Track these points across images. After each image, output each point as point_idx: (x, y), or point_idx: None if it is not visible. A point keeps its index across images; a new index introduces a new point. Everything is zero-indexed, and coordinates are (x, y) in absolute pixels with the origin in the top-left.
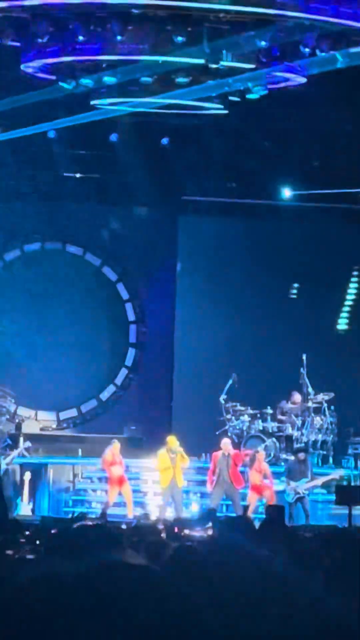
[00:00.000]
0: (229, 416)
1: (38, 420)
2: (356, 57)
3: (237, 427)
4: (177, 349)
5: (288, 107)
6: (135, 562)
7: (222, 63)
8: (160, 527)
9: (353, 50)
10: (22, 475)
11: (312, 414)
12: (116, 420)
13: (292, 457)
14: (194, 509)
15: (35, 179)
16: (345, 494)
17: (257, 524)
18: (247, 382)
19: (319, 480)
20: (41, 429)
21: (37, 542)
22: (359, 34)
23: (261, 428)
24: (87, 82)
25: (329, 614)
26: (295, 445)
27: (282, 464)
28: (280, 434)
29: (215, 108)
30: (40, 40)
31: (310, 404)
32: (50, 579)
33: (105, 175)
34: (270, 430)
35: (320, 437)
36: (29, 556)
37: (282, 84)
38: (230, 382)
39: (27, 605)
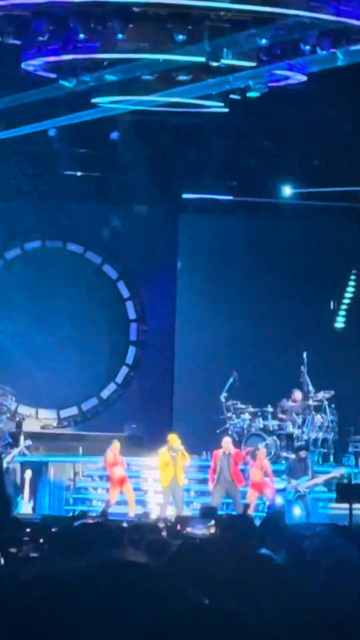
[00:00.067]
0: (229, 414)
1: (39, 419)
2: (357, 55)
3: (238, 426)
4: (178, 347)
5: (288, 106)
6: (137, 560)
7: (222, 61)
8: (161, 525)
9: (354, 48)
10: (22, 473)
11: (313, 412)
12: (117, 418)
13: (293, 456)
14: (195, 507)
15: (35, 177)
16: (346, 492)
17: (257, 523)
18: (247, 380)
19: (320, 479)
20: (42, 427)
21: (41, 540)
22: (359, 32)
23: (262, 426)
24: (87, 80)
25: (329, 612)
26: (296, 444)
27: (283, 462)
28: (281, 432)
29: (216, 106)
30: (40, 38)
31: (310, 402)
32: (53, 577)
33: (105, 174)
34: (271, 429)
35: (320, 435)
36: (33, 554)
37: (283, 82)
38: (231, 380)
39: (30, 603)
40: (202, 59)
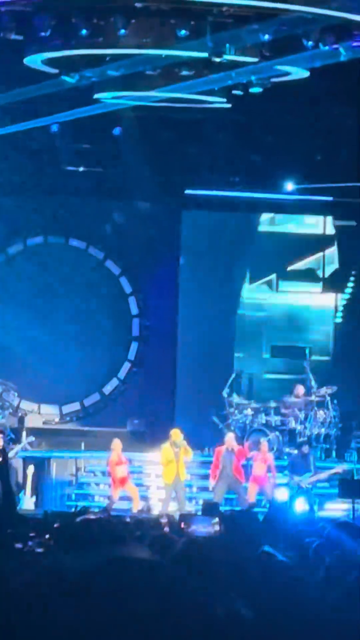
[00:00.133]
0: (232, 410)
1: (41, 414)
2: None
3: (240, 421)
4: (180, 343)
5: (291, 101)
6: (142, 557)
7: (225, 57)
8: (164, 520)
9: (356, 43)
10: (25, 469)
11: (315, 408)
12: (119, 414)
13: (295, 451)
14: (197, 502)
15: (37, 173)
16: (349, 487)
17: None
18: (249, 375)
19: (322, 474)
20: (44, 423)
21: (47, 536)
22: None
23: (264, 422)
24: (90, 75)
25: (331, 609)
26: (298, 439)
27: (285, 457)
28: (284, 427)
29: (218, 102)
30: (43, 33)
31: (313, 397)
32: (57, 573)
33: (108, 170)
34: (273, 424)
35: (323, 430)
36: (38, 550)
37: (285, 78)
38: (234, 376)
39: (35, 599)
40: (205, 55)
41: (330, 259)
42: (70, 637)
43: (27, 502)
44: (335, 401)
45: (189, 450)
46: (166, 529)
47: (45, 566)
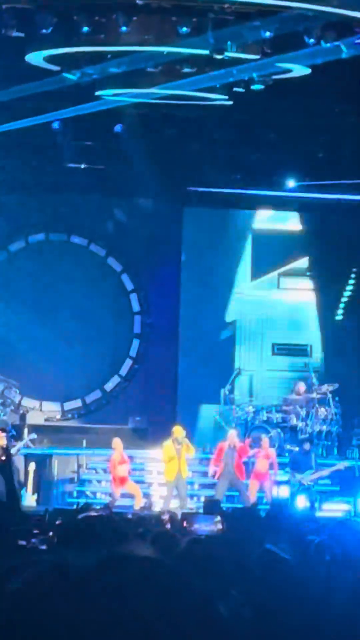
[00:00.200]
0: (233, 407)
1: (42, 411)
2: None
3: (242, 418)
4: (182, 340)
5: (293, 98)
6: (144, 554)
7: (226, 54)
8: (165, 517)
9: (358, 40)
10: (26, 466)
11: (317, 405)
12: (121, 411)
13: (297, 448)
14: (199, 500)
15: (39, 170)
16: (350, 484)
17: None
18: (251, 373)
19: (324, 472)
20: (46, 420)
21: (50, 533)
22: None
23: (265, 419)
24: (91, 72)
25: (333, 607)
26: (300, 436)
27: (287, 454)
28: (285, 424)
29: (220, 99)
30: (44, 31)
31: (315, 394)
32: (59, 570)
33: (110, 167)
34: (275, 422)
35: (324, 428)
36: (42, 547)
37: (287, 75)
38: (235, 373)
39: (36, 598)
40: (206, 52)
41: (331, 256)
42: (72, 634)
43: (29, 500)
44: (336, 398)
45: (191, 447)
46: (168, 525)
47: (48, 563)
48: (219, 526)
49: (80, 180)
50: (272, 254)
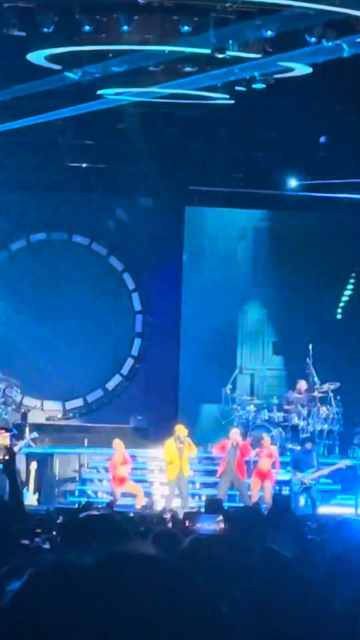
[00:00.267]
0: (235, 406)
1: (44, 410)
2: None
3: (243, 417)
4: (183, 339)
5: (294, 97)
6: (145, 553)
7: (228, 53)
8: (166, 516)
9: (359, 39)
10: (28, 465)
11: (318, 404)
12: (122, 410)
13: (298, 447)
14: (200, 499)
15: (40, 169)
16: (351, 483)
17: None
18: (252, 372)
19: (326, 470)
20: (47, 419)
21: (54, 532)
22: None
23: (267, 418)
24: (93, 71)
25: (335, 605)
26: (301, 435)
27: (288, 453)
28: (286, 423)
29: (222, 98)
30: (46, 29)
31: (316, 393)
32: (61, 569)
33: (111, 166)
34: (276, 420)
35: (326, 426)
36: (45, 546)
37: (288, 74)
38: (236, 372)
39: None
40: (208, 51)
41: (332, 254)
42: (72, 634)
43: (30, 499)
44: (338, 397)
45: (193, 447)
46: (169, 524)
47: (48, 562)
48: (221, 525)
49: (82, 179)
50: (273, 253)
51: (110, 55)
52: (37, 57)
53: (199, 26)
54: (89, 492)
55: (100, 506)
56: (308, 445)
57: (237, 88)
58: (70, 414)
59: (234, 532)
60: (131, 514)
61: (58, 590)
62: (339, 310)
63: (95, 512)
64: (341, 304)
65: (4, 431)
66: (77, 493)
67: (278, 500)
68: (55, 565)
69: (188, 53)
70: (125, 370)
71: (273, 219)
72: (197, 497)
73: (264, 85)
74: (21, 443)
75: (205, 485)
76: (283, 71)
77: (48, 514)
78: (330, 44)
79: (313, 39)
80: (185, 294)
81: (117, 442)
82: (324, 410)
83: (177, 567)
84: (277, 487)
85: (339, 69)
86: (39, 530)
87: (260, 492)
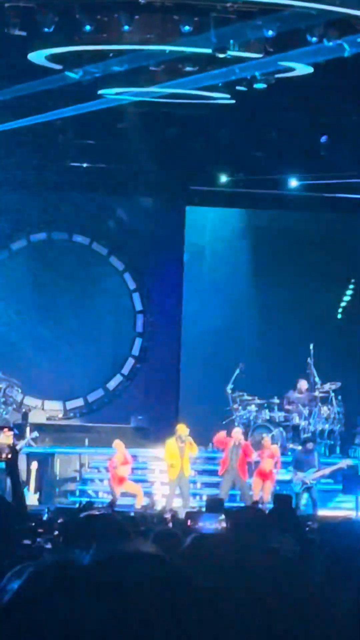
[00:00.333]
0: (235, 406)
1: (45, 410)
2: None
3: (244, 417)
4: (184, 339)
5: (295, 97)
6: (146, 552)
7: (229, 53)
8: (167, 516)
9: None
10: (28, 465)
11: (319, 404)
12: (123, 410)
13: (300, 447)
14: (202, 498)
15: (41, 168)
16: (353, 483)
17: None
18: (254, 371)
19: (327, 470)
20: (48, 419)
21: (56, 532)
22: None
23: (268, 418)
24: (93, 71)
25: (336, 605)
26: (302, 435)
27: (289, 453)
28: (287, 423)
29: (222, 98)
30: (47, 29)
31: (317, 393)
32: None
33: (112, 165)
34: (277, 420)
35: (327, 426)
36: (47, 546)
37: (289, 74)
38: (238, 371)
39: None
40: (208, 51)
41: (333, 254)
42: (72, 633)
43: (31, 499)
44: (339, 397)
45: (194, 446)
46: (170, 524)
47: (48, 561)
48: (223, 524)
49: (83, 179)
50: (273, 253)
51: (111, 55)
52: (37, 56)
53: (200, 26)
54: (90, 491)
55: (101, 506)
56: (309, 445)
57: (238, 88)
58: (71, 414)
59: (235, 531)
60: (132, 514)
61: (58, 590)
62: (340, 310)
63: (95, 512)
64: (342, 304)
65: (7, 430)
66: (77, 493)
67: (280, 500)
68: (54, 565)
69: (189, 53)
70: (125, 370)
71: (273, 219)
72: (197, 497)
73: (264, 85)
74: (22, 443)
75: (206, 484)
76: (284, 71)
77: (48, 514)
78: (331, 43)
79: (314, 39)
80: (185, 293)
81: (118, 443)
82: (325, 410)
83: (177, 565)
84: (278, 487)
85: (339, 67)
86: (41, 530)
87: (261, 492)
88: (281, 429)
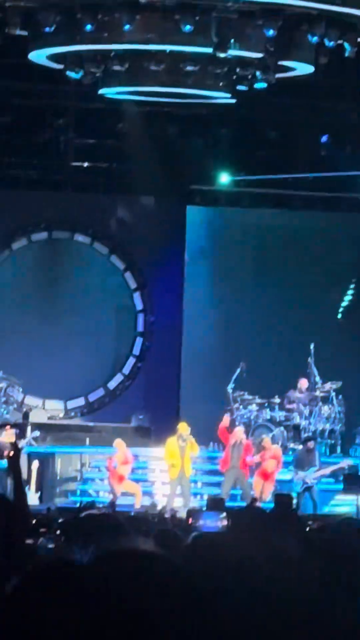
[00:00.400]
0: (236, 405)
1: (45, 409)
2: None
3: (245, 416)
4: (185, 338)
5: (296, 97)
6: (147, 552)
7: (230, 52)
8: (168, 515)
9: None
10: (29, 464)
11: (320, 403)
12: (124, 409)
13: (300, 447)
14: (203, 498)
15: (42, 167)
16: (353, 482)
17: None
18: (255, 370)
19: (327, 470)
20: (49, 418)
21: (58, 532)
22: None
23: (269, 417)
24: (94, 71)
25: (336, 605)
26: (303, 435)
27: (290, 453)
28: (288, 423)
29: (223, 97)
30: (47, 29)
31: (318, 393)
32: (59, 567)
33: (113, 164)
34: (278, 420)
35: (328, 426)
36: (50, 545)
37: (290, 74)
38: (239, 371)
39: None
40: (209, 50)
41: (334, 253)
42: (72, 631)
43: (32, 498)
44: (340, 396)
45: (195, 446)
46: (170, 524)
47: (49, 560)
48: (225, 523)
49: (84, 178)
50: (275, 252)
51: (112, 54)
52: (38, 56)
53: (201, 25)
54: (91, 491)
55: (101, 505)
56: (310, 445)
57: (238, 87)
58: (72, 413)
59: (236, 530)
60: (132, 513)
61: (57, 588)
62: (340, 310)
63: (96, 512)
64: (343, 303)
65: (9, 427)
66: (78, 492)
67: (281, 500)
68: (54, 563)
69: (190, 52)
70: (126, 369)
71: (274, 219)
72: (198, 496)
73: (265, 85)
74: (22, 442)
75: (207, 484)
76: (285, 70)
77: (50, 513)
78: (332, 43)
79: (315, 39)
80: (187, 292)
81: (119, 442)
82: (325, 409)
83: (176, 564)
84: (278, 487)
85: (341, 67)
86: (43, 530)
87: (261, 491)
88: (282, 428)
